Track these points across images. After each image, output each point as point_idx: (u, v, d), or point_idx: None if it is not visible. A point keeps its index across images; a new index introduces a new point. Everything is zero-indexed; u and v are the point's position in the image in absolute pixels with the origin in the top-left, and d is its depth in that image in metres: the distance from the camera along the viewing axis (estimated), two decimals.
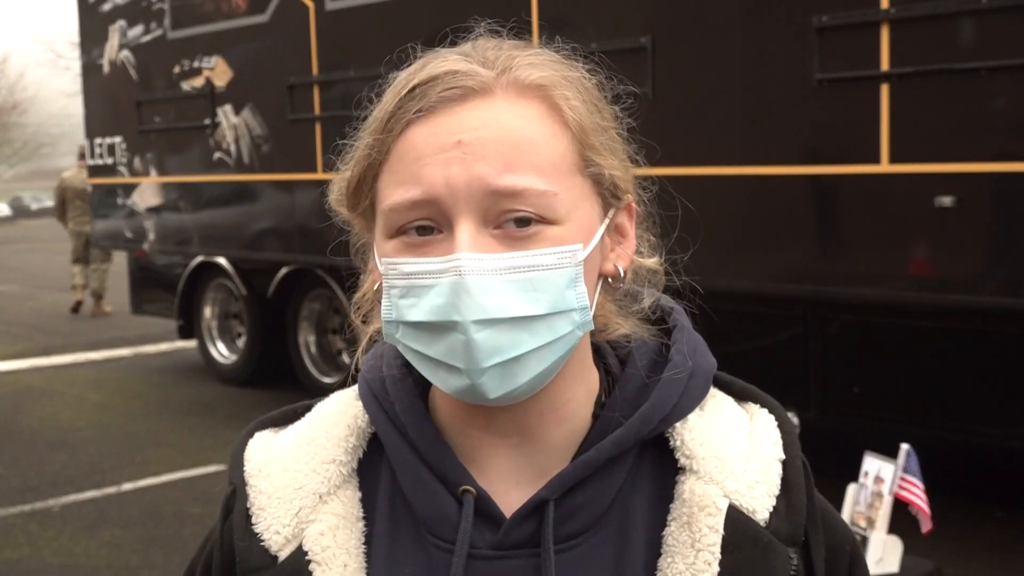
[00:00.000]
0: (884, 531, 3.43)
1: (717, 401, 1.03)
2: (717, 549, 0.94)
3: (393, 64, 1.00)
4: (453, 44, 0.99)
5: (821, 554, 1.00)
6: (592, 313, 0.95)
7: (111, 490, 6.46)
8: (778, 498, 0.97)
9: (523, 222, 0.90)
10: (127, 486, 6.52)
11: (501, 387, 0.90)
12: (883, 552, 3.42)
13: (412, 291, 0.91)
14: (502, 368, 0.90)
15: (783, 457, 1.00)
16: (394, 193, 0.92)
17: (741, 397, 1.05)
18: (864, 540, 3.43)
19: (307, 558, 0.96)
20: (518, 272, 0.89)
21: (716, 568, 0.94)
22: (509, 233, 0.90)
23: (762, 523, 0.96)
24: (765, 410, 1.03)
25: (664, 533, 0.96)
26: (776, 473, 0.98)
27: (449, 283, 0.89)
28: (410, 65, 0.97)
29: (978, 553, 5.03)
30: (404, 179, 0.92)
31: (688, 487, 0.97)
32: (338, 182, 1.02)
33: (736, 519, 0.95)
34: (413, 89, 0.93)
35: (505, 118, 0.91)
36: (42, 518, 6.00)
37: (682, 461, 0.98)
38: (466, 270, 0.88)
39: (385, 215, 0.93)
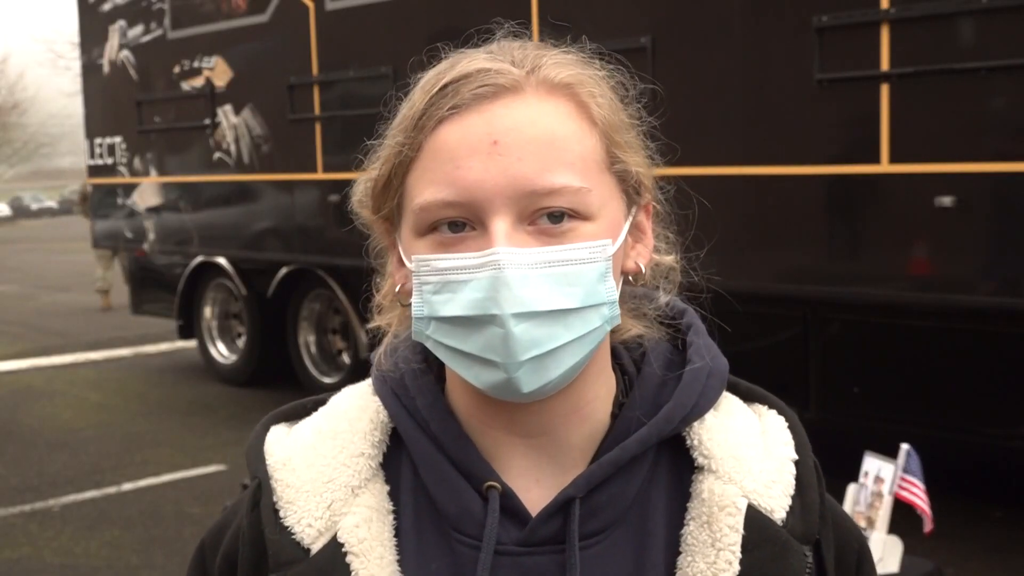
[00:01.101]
0: (884, 531, 3.43)
1: (728, 402, 1.04)
2: (738, 548, 0.95)
3: (422, 64, 1.00)
4: (476, 45, 1.00)
5: (832, 552, 1.02)
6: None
7: (111, 490, 6.47)
8: (793, 498, 0.99)
9: (557, 217, 0.91)
10: (127, 486, 6.52)
11: (535, 381, 0.91)
12: (883, 552, 3.42)
13: (447, 287, 0.92)
14: (537, 362, 0.90)
15: (796, 457, 1.01)
16: (426, 191, 0.93)
17: (748, 398, 1.07)
18: None
19: (344, 550, 0.97)
20: (553, 266, 0.91)
21: (737, 567, 0.95)
22: (543, 229, 0.91)
23: (780, 522, 0.97)
24: (774, 411, 1.05)
25: (683, 532, 0.98)
26: (790, 473, 1.00)
27: (488, 277, 0.89)
28: (436, 65, 0.98)
29: (978, 553, 5.03)
30: (437, 178, 0.92)
31: (707, 486, 0.98)
32: (363, 182, 1.02)
33: (755, 518, 0.96)
34: (445, 87, 0.93)
35: (537, 116, 0.92)
36: (42, 518, 6.00)
37: (699, 460, 0.99)
38: (505, 264, 0.89)
39: (416, 213, 0.94)
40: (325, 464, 1.00)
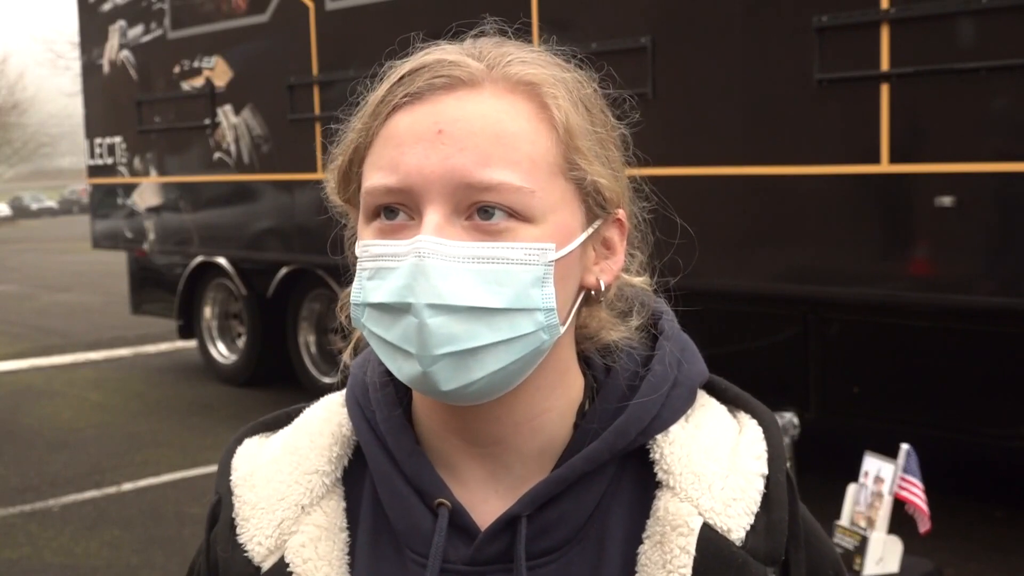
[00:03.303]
0: (884, 531, 3.43)
1: (705, 411, 1.00)
2: (688, 571, 0.91)
3: (395, 54, 1.00)
4: (455, 38, 0.99)
5: (802, 575, 0.98)
6: (567, 322, 0.93)
7: (111, 490, 6.46)
8: (757, 516, 0.94)
9: (488, 213, 0.88)
10: (127, 486, 6.52)
11: (454, 379, 0.88)
12: (883, 552, 3.42)
13: (379, 273, 0.90)
14: (455, 359, 0.88)
15: (766, 472, 0.96)
16: (373, 176, 0.92)
17: (734, 405, 1.02)
18: (864, 540, 3.43)
19: (288, 570, 0.96)
20: (481, 262, 0.88)
21: None
22: (478, 225, 0.89)
23: (737, 543, 0.93)
24: (755, 421, 1.00)
25: (638, 551, 0.94)
26: (757, 490, 0.95)
27: (409, 265, 0.88)
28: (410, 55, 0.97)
29: (978, 553, 5.03)
30: (383, 164, 0.91)
31: (663, 504, 0.94)
32: (331, 169, 1.01)
33: (709, 539, 0.92)
34: (403, 76, 0.93)
35: (488, 110, 0.90)
36: (42, 518, 6.00)
37: (660, 476, 0.95)
38: (426, 252, 0.87)
39: (364, 198, 0.93)
40: (281, 481, 1.00)
